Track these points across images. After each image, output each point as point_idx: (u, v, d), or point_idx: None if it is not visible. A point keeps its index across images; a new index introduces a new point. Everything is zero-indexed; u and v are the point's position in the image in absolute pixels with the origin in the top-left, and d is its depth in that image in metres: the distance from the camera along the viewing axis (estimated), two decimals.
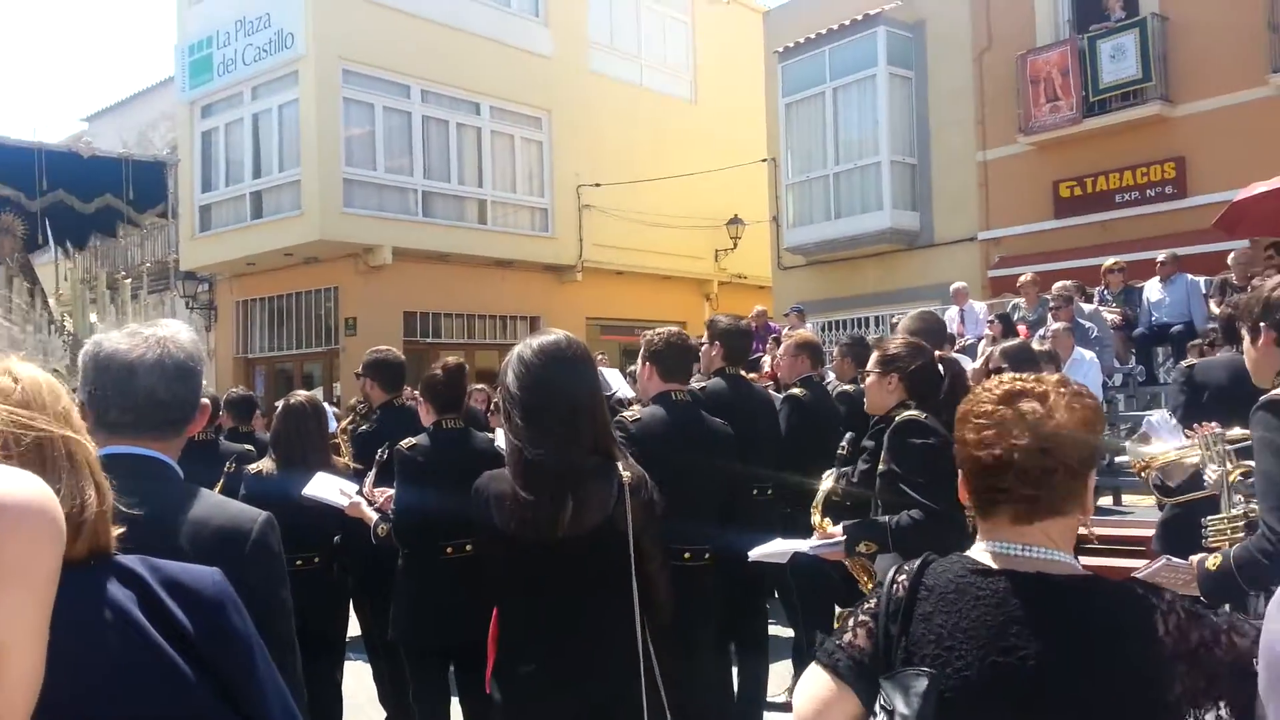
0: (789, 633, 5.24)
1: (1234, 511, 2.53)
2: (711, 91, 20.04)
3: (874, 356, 3.39)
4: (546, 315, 17.46)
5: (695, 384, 4.75)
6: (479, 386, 8.09)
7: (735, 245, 18.45)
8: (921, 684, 1.38)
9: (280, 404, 4.52)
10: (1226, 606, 2.44)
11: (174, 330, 1.78)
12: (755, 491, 4.47)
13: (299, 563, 4.00)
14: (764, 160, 17.13)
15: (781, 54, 16.30)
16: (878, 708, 1.42)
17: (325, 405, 4.64)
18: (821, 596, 4.77)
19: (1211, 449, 2.62)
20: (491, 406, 7.47)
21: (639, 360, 4.06)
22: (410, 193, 16.15)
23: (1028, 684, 1.36)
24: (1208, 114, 12.30)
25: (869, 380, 3.38)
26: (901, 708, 1.38)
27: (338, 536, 4.30)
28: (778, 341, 6.22)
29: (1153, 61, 12.62)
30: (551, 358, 2.31)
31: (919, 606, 1.46)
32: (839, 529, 3.34)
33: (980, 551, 1.48)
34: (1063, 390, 1.48)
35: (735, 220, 17.98)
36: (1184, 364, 4.56)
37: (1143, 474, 2.81)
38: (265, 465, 4.37)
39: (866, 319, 14.83)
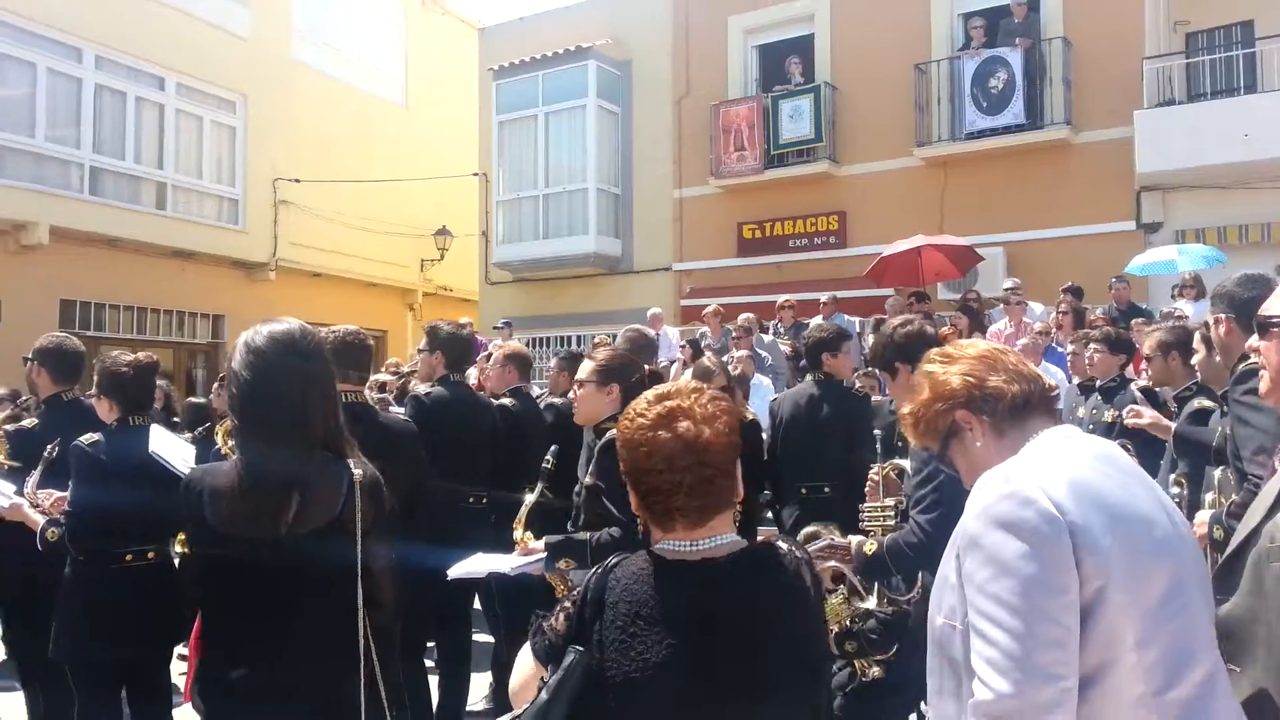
0: (490, 639, 5.32)
1: (887, 501, 3.01)
2: (424, 99, 19.75)
3: (590, 366, 3.49)
4: (234, 314, 16.25)
5: (421, 389, 4.75)
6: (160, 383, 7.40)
7: (442, 256, 18.27)
8: (569, 659, 1.61)
9: None
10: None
11: None
12: (472, 499, 4.53)
13: None
14: (475, 175, 17.18)
15: (496, 72, 16.50)
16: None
17: None
18: (523, 606, 4.90)
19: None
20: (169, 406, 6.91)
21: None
22: (75, 166, 14.43)
23: (700, 658, 1.59)
24: (866, 175, 14.06)
25: (584, 390, 3.46)
26: (550, 679, 1.60)
27: None
28: (488, 356, 6.31)
29: (824, 124, 14.23)
30: (283, 348, 2.23)
31: (608, 596, 1.64)
32: (540, 544, 3.40)
33: (659, 548, 1.69)
34: (702, 399, 1.70)
35: (443, 231, 17.82)
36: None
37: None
38: None
39: (570, 338, 15.31)
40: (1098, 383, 5.50)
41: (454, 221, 17.77)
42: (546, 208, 16.08)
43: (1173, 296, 9.63)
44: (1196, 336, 4.34)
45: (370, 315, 17.17)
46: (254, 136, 16.76)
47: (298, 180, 16.75)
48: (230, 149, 16.76)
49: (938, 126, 13.49)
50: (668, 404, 1.69)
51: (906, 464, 3.15)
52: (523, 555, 3.44)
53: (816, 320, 10.95)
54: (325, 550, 2.18)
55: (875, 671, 3.17)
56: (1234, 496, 2.72)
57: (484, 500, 4.65)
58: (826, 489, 4.60)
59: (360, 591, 2.20)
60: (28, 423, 4.28)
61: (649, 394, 1.76)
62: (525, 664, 1.75)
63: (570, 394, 5.70)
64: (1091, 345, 5.58)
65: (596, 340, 9.92)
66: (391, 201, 17.57)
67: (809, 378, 5.08)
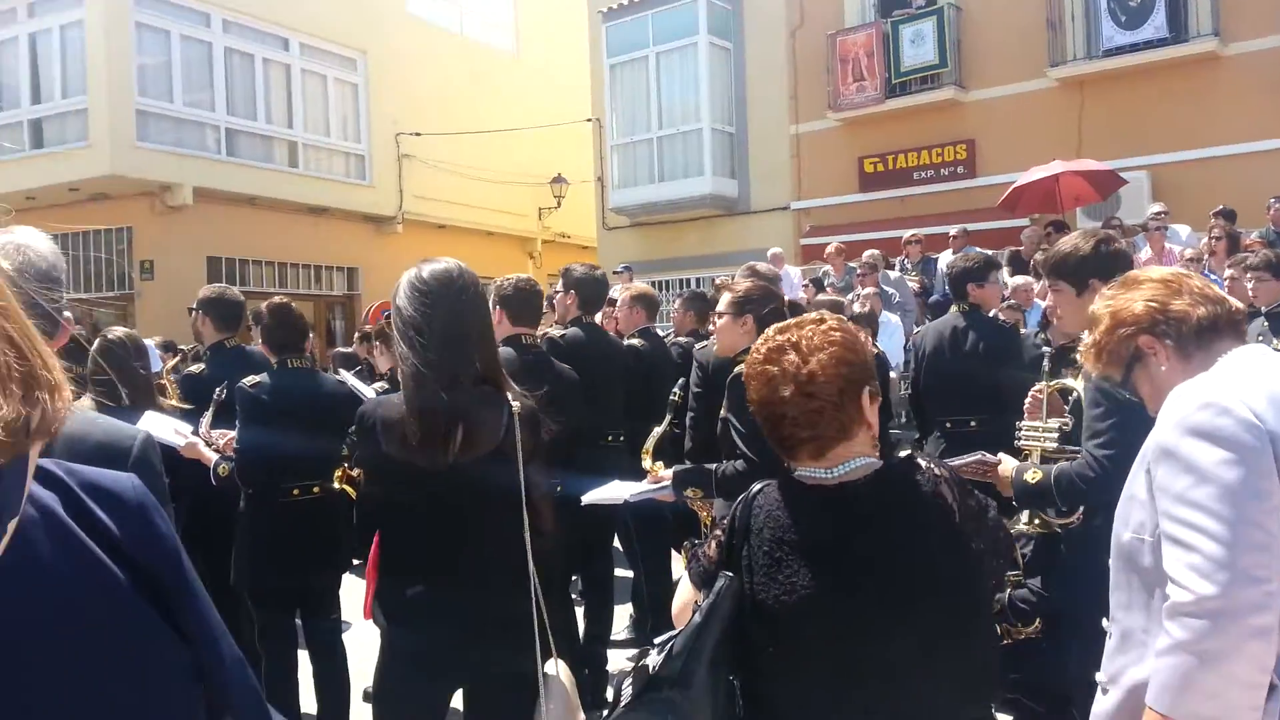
0: (629, 574, 5.45)
1: (1050, 422, 2.90)
2: (535, 46, 19.83)
3: (727, 298, 3.50)
4: (366, 267, 16.88)
5: (555, 331, 4.86)
6: None
7: (559, 204, 18.45)
8: (720, 583, 1.66)
9: (97, 341, 4.24)
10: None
11: (30, 237, 1.67)
12: (609, 438, 4.61)
13: None
14: (588, 120, 17.19)
15: (605, 14, 16.36)
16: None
17: (147, 343, 4.40)
18: (660, 541, 5.01)
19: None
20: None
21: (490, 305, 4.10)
22: (211, 129, 15.13)
23: (842, 579, 1.62)
24: (995, 100, 13.43)
25: (722, 322, 3.47)
26: (703, 603, 1.65)
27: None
28: (612, 300, 6.37)
29: (949, 48, 13.61)
30: (444, 285, 2.32)
31: (753, 523, 1.69)
32: (668, 474, 3.45)
33: (797, 474, 1.72)
34: (815, 331, 1.70)
35: (559, 179, 17.97)
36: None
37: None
38: (83, 404, 4.10)
39: (688, 280, 15.28)
40: (1264, 310, 5.16)
41: (569, 168, 17.88)
42: (661, 150, 15.98)
43: None
44: None
45: (492, 264, 17.47)
46: (375, 92, 17.19)
47: (418, 134, 17.13)
48: (354, 106, 17.26)
49: (1072, 44, 12.71)
50: (781, 337, 1.72)
51: (1073, 384, 3.02)
52: (651, 483, 3.54)
53: (946, 254, 10.62)
54: (490, 476, 2.28)
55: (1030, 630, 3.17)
56: None
57: (620, 438, 4.73)
58: (972, 422, 4.51)
59: (525, 517, 2.30)
60: (195, 368, 4.56)
61: (774, 327, 1.79)
62: (685, 588, 1.83)
63: (697, 334, 5.78)
64: (1251, 273, 5.23)
65: (718, 282, 9.91)
66: (508, 151, 17.78)
67: (954, 308, 4.94)
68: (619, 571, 5.15)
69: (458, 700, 2.45)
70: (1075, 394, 2.95)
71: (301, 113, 16.37)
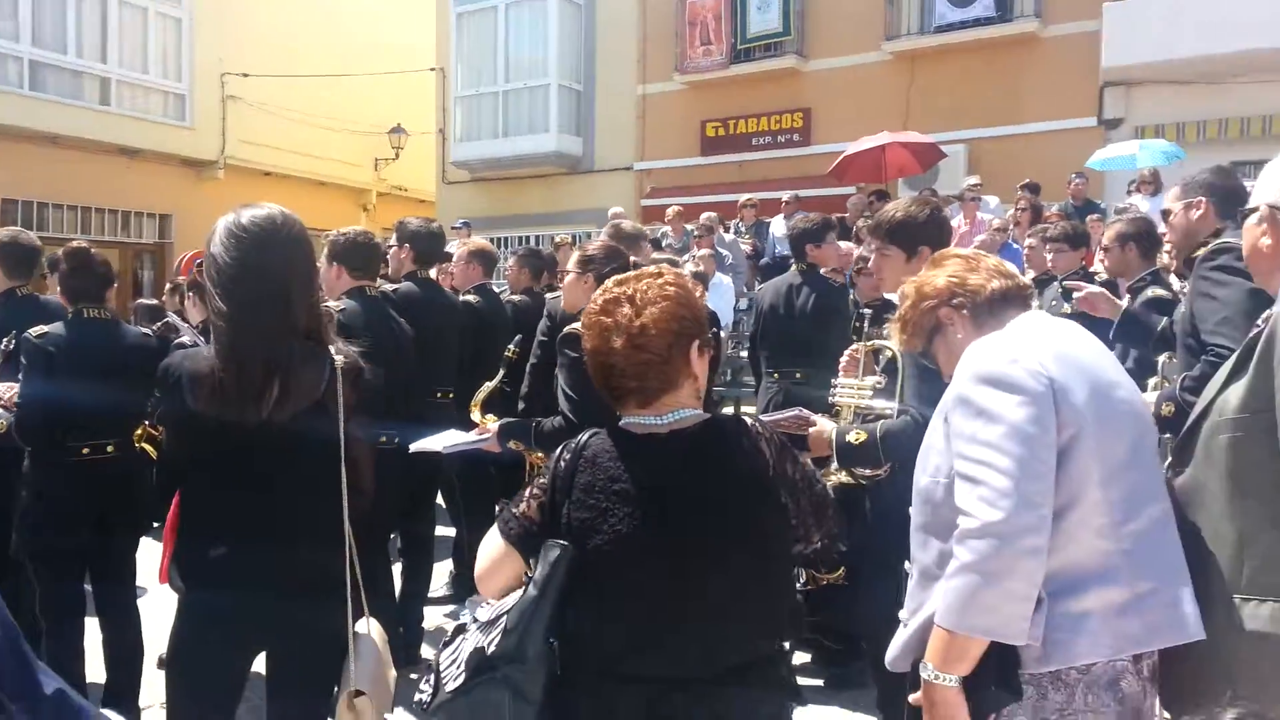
0: (451, 532, 5.43)
1: (864, 380, 3.04)
2: None
3: (574, 257, 3.57)
4: (181, 214, 15.85)
5: (388, 286, 4.74)
6: None
7: (397, 155, 17.84)
8: (554, 554, 1.67)
9: None
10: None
11: None
12: (438, 394, 4.54)
13: None
14: (432, 70, 16.67)
15: None
16: (526, 574, 1.73)
17: None
18: (483, 498, 5.00)
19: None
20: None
21: (324, 260, 3.99)
22: (13, 60, 13.81)
23: (674, 519, 1.68)
24: (833, 71, 13.86)
25: (568, 280, 3.54)
26: (536, 575, 1.67)
27: None
28: (449, 256, 6.26)
29: (792, 17, 13.93)
30: (265, 233, 2.18)
31: (578, 477, 1.72)
32: (495, 426, 3.48)
33: (625, 423, 1.78)
34: (651, 284, 1.75)
35: (398, 129, 17.35)
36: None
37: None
38: None
39: (529, 238, 15.13)
40: (1060, 278, 5.57)
41: (410, 119, 17.30)
42: (506, 104, 15.70)
43: (1129, 192, 9.72)
44: (1110, 233, 4.47)
45: (323, 216, 16.73)
46: (200, 29, 16.08)
47: (246, 75, 16.14)
48: (176, 42, 16.09)
49: (907, 19, 13.26)
50: (618, 289, 1.76)
51: (889, 344, 3.17)
52: (478, 434, 3.55)
53: (778, 219, 10.96)
54: (307, 434, 2.20)
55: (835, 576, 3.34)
56: (1189, 373, 2.78)
57: (450, 395, 4.66)
58: (798, 374, 4.82)
59: (344, 475, 2.23)
60: None
61: (614, 279, 1.82)
62: (493, 549, 1.79)
63: (531, 291, 5.76)
64: (1050, 244, 5.63)
65: (558, 240, 9.83)
66: (345, 98, 17.03)
67: (793, 267, 5.17)
68: (441, 529, 5.12)
69: (260, 665, 2.37)
70: (890, 354, 3.12)
71: (117, 47, 15.13)
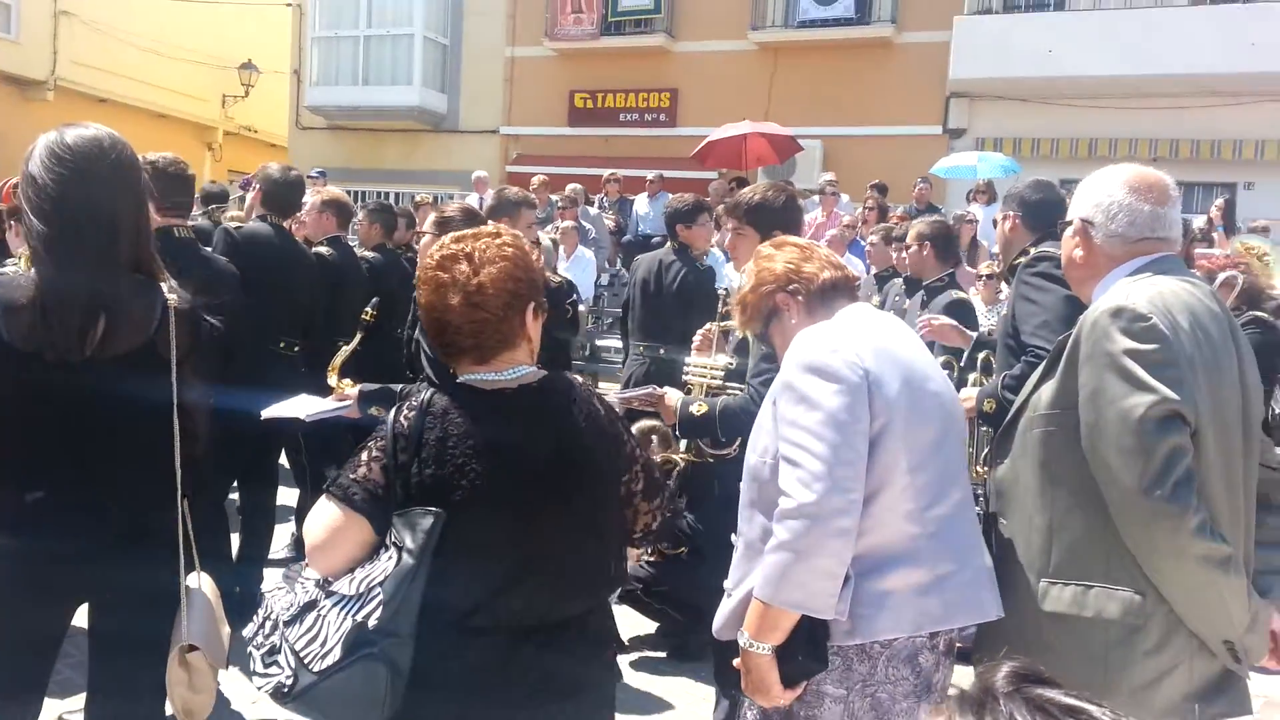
0: (294, 495, 5.26)
1: (716, 359, 3.15)
2: None
3: (431, 218, 3.49)
4: (5, 136, 14.46)
5: (233, 225, 4.53)
6: None
7: (247, 94, 16.91)
8: (427, 521, 1.63)
9: None
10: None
11: None
12: (282, 345, 4.39)
13: None
14: (288, 4, 15.85)
15: None
16: (389, 541, 1.66)
17: None
18: (333, 461, 4.88)
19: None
20: None
21: None
22: None
23: (526, 472, 1.71)
24: (700, 54, 14.06)
25: (424, 241, 3.48)
26: (409, 543, 1.63)
27: None
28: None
29: None
30: (93, 154, 2.03)
31: (427, 434, 1.69)
32: (355, 391, 3.40)
33: (466, 379, 1.77)
34: (490, 244, 1.76)
35: (249, 65, 16.44)
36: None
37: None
38: None
39: (388, 194, 14.65)
40: (904, 275, 5.88)
41: (261, 56, 16.43)
42: (367, 50, 15.13)
43: (968, 200, 10.35)
44: (912, 233, 4.80)
45: (164, 150, 15.76)
46: None
47: None
48: None
49: (772, 11, 13.58)
50: (455, 246, 1.75)
51: (735, 325, 3.29)
52: (337, 400, 3.43)
53: (642, 197, 11.07)
54: (135, 375, 2.08)
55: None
56: (1010, 372, 3.02)
57: (295, 348, 4.51)
58: (661, 350, 4.93)
59: (176, 422, 2.13)
60: None
61: (451, 235, 1.80)
62: (330, 518, 1.71)
63: (383, 247, 5.63)
64: (896, 244, 5.94)
65: (418, 199, 9.61)
66: (192, 26, 15.99)
67: (666, 245, 5.27)
68: (282, 491, 4.96)
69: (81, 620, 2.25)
70: (741, 335, 3.24)
71: None
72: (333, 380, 3.63)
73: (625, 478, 1.85)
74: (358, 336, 3.98)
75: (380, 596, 1.60)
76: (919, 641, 1.82)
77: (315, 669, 1.60)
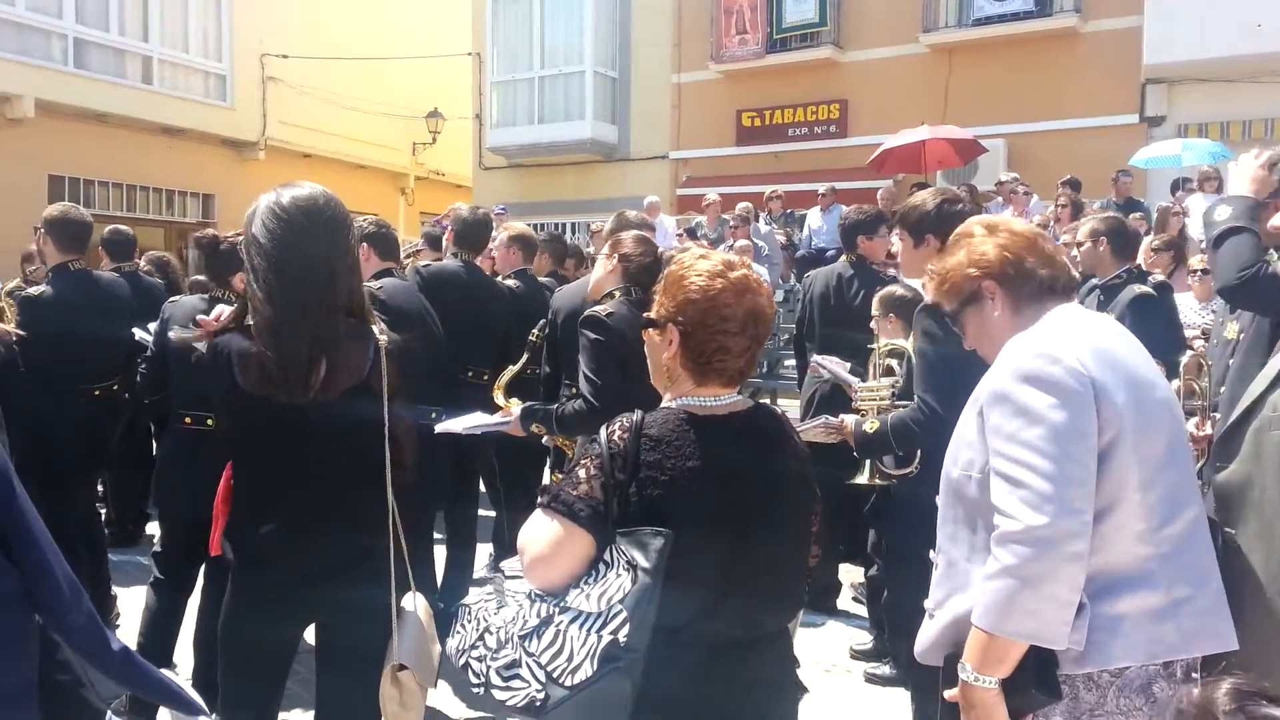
0: (490, 514, 5.50)
1: (882, 382, 3.11)
2: None
3: (606, 242, 3.62)
4: (224, 194, 16.05)
5: (422, 263, 4.83)
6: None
7: (434, 140, 17.94)
8: (658, 542, 1.65)
9: None
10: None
11: None
12: (471, 374, 4.61)
13: (97, 392, 4.20)
14: (468, 54, 16.73)
15: None
16: (612, 558, 1.68)
17: None
18: (523, 479, 5.06)
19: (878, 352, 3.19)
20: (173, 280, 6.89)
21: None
22: (58, 38, 13.99)
23: (743, 498, 1.74)
24: (869, 62, 13.77)
25: (599, 263, 3.59)
26: (642, 562, 1.65)
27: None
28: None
29: (828, 7, 13.84)
30: (308, 214, 2.20)
31: (644, 455, 1.72)
32: (517, 409, 3.53)
33: (685, 404, 1.79)
34: (750, 273, 1.83)
35: (435, 114, 17.45)
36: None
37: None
38: None
39: (564, 225, 15.18)
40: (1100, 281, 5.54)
41: (447, 104, 17.39)
42: (542, 90, 15.73)
43: (1180, 190, 9.56)
44: (1085, 229, 4.46)
45: (362, 199, 16.93)
46: (239, 8, 16.22)
47: (286, 56, 16.29)
48: (216, 21, 16.24)
49: (944, 12, 13.14)
50: (737, 274, 1.80)
51: (904, 344, 3.23)
52: (501, 417, 3.60)
53: (814, 211, 10.93)
54: (353, 411, 2.22)
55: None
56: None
57: (484, 377, 4.72)
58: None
59: (388, 453, 2.26)
60: (35, 290, 4.30)
61: (712, 262, 1.83)
62: (553, 533, 1.73)
63: (555, 275, 5.84)
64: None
65: (594, 227, 9.88)
66: (382, 81, 17.14)
67: (843, 258, 5.14)
68: (481, 511, 5.19)
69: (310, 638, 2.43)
70: (904, 353, 3.18)
71: (159, 26, 15.30)
72: (499, 398, 3.82)
73: (813, 513, 1.88)
74: (524, 358, 4.18)
75: (624, 614, 1.62)
76: (1153, 670, 1.68)
77: (566, 684, 1.63)
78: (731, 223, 9.68)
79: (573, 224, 14.90)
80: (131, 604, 4.36)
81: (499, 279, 5.31)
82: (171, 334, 3.48)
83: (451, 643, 1.83)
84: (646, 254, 3.55)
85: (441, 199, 17.10)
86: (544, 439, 3.66)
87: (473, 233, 4.93)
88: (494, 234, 6.24)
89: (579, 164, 15.72)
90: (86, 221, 4.47)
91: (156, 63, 15.31)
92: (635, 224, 4.27)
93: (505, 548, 5.12)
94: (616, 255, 3.49)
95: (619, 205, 14.54)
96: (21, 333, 4.16)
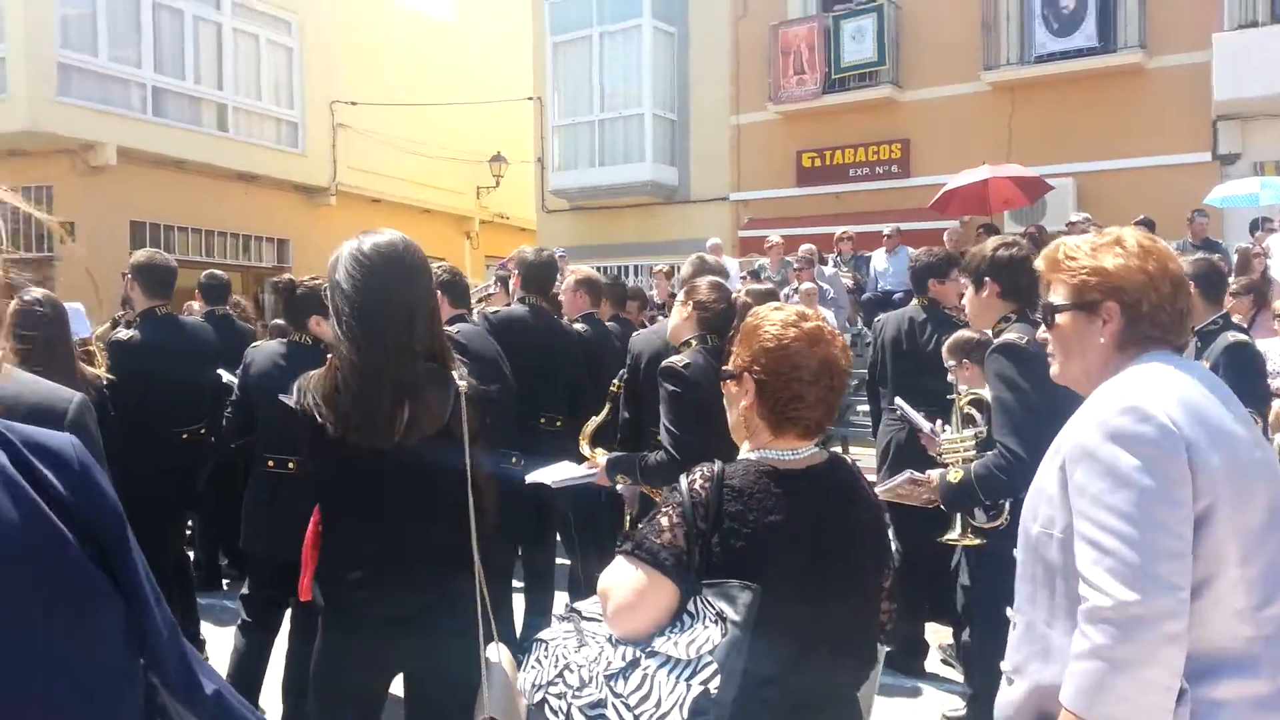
0: (565, 562, 5.48)
1: (965, 432, 3.05)
2: (474, 16, 19.53)
3: (681, 288, 3.63)
4: (298, 239, 16.48)
5: (490, 309, 4.88)
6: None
7: (498, 183, 18.26)
8: (746, 596, 1.64)
9: (13, 303, 4.09)
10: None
11: None
12: (543, 420, 4.62)
13: (185, 435, 4.39)
14: (529, 99, 17.05)
15: None
16: (697, 609, 1.68)
17: (73, 307, 4.26)
18: (598, 528, 5.05)
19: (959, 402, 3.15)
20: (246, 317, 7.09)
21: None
22: (137, 87, 14.57)
23: (822, 553, 1.74)
24: (930, 101, 13.71)
25: (674, 309, 3.62)
26: (732, 615, 1.64)
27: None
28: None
29: (887, 46, 13.84)
30: (388, 260, 2.24)
31: (726, 506, 1.71)
32: (604, 459, 3.54)
33: (765, 456, 1.79)
34: (824, 323, 1.85)
35: (498, 158, 17.78)
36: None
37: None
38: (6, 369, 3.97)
39: (626, 268, 15.28)
40: (1195, 327, 5.38)
41: (509, 147, 17.70)
42: (602, 134, 15.94)
43: (1260, 229, 9.28)
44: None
45: (428, 243, 16.91)
46: (310, 57, 16.76)
47: (354, 103, 16.76)
48: (288, 70, 16.80)
49: (1006, 49, 13.06)
50: (810, 324, 1.82)
51: (985, 394, 3.18)
52: (587, 468, 3.62)
53: (879, 253, 10.84)
54: (435, 456, 2.24)
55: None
56: None
57: (558, 423, 4.73)
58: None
59: (471, 498, 2.28)
60: (125, 334, 4.43)
61: (786, 313, 1.85)
62: (637, 581, 1.71)
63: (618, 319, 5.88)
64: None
65: (656, 269, 9.92)
66: (446, 126, 17.53)
67: (914, 301, 5.09)
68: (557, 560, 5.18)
69: (398, 685, 2.44)
70: (985, 401, 3.13)
71: (232, 75, 15.87)
72: (585, 449, 3.82)
73: (886, 568, 1.88)
74: (606, 407, 4.17)
75: (714, 665, 1.61)
76: None
77: None
78: (795, 265, 9.64)
79: (634, 266, 14.98)
80: (217, 647, 4.43)
81: (566, 322, 5.35)
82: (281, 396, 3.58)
83: (525, 677, 1.83)
84: (721, 300, 3.56)
85: (506, 242, 17.36)
86: (619, 486, 3.64)
87: (538, 273, 4.94)
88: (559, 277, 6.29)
89: (639, 206, 15.85)
90: (171, 267, 4.61)
91: (231, 110, 15.85)
92: (713, 268, 4.28)
93: (581, 594, 5.09)
94: (691, 302, 3.50)
95: (680, 247, 14.62)
96: (111, 376, 4.29)
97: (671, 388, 3.23)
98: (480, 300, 7.72)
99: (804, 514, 1.74)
